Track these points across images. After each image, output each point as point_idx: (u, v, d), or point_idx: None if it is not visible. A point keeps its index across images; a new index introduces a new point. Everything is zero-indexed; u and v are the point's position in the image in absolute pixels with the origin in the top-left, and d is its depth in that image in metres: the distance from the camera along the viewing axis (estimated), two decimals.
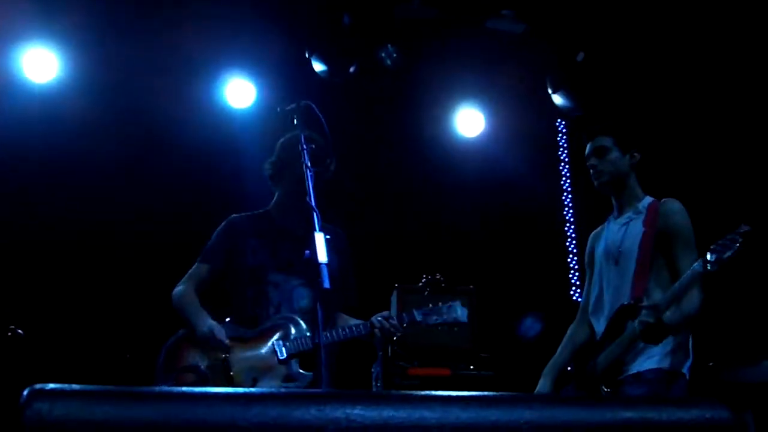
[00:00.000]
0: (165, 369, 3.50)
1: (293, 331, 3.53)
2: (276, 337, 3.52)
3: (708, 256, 3.14)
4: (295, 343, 3.49)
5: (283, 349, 3.48)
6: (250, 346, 3.51)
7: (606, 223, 3.80)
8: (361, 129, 6.58)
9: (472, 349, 5.44)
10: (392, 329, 3.57)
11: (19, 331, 4.85)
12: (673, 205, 3.56)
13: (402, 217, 6.78)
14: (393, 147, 6.86)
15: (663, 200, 3.61)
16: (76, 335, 5.72)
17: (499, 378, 5.34)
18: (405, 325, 3.62)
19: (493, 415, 1.40)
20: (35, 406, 1.18)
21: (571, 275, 7.22)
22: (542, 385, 3.71)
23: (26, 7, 5.64)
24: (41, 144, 5.86)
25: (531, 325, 6.71)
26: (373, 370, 5.33)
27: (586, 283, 3.86)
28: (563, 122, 7.56)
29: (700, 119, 6.43)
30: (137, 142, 6.11)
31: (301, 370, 3.48)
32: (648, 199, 3.66)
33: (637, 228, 3.57)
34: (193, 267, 3.72)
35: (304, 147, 3.07)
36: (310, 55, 6.23)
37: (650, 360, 3.38)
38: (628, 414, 1.48)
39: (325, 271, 2.70)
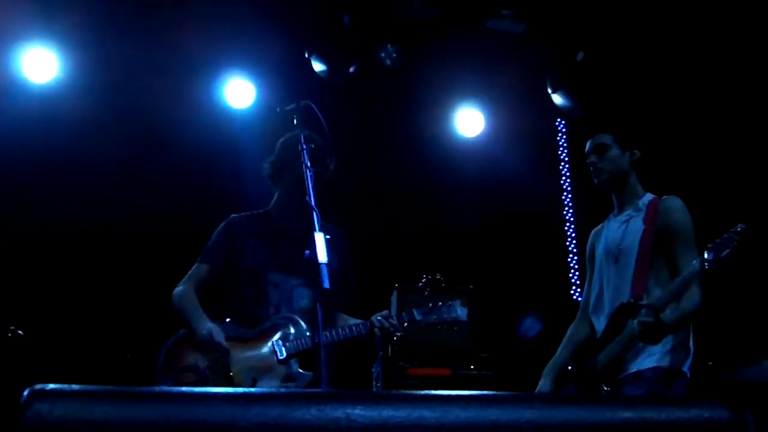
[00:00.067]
0: (165, 369, 3.49)
1: (293, 331, 3.53)
2: (275, 337, 3.52)
3: (705, 255, 3.13)
4: (294, 343, 3.49)
5: (283, 349, 3.48)
6: (249, 346, 3.51)
7: (606, 221, 3.79)
8: (361, 129, 6.58)
9: (472, 349, 5.45)
10: (392, 329, 3.56)
11: (19, 331, 4.85)
12: (673, 203, 3.55)
13: (402, 217, 6.78)
14: (393, 147, 6.86)
15: (663, 197, 3.60)
16: (76, 335, 5.72)
17: (499, 378, 5.34)
18: (405, 324, 3.62)
19: (493, 414, 1.40)
20: (35, 406, 1.18)
21: (571, 275, 7.22)
22: (542, 384, 3.70)
23: (26, 7, 5.64)
24: (41, 144, 5.86)
25: (531, 325, 6.71)
26: (373, 370, 5.33)
27: (586, 282, 3.85)
28: (563, 122, 7.57)
29: (700, 117, 6.43)
30: (137, 142, 6.11)
31: (300, 370, 3.48)
32: (648, 197, 3.64)
33: (637, 226, 3.56)
34: (193, 267, 3.72)
35: (304, 147, 3.07)
36: (309, 55, 6.23)
37: (650, 358, 3.37)
38: (627, 414, 1.48)
39: (325, 271, 2.70)
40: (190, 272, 3.70)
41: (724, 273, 3.19)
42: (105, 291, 5.87)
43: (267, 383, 3.42)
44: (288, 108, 3.19)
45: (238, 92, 6.31)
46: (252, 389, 3.15)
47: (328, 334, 3.41)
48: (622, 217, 3.66)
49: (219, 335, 3.46)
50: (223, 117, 6.33)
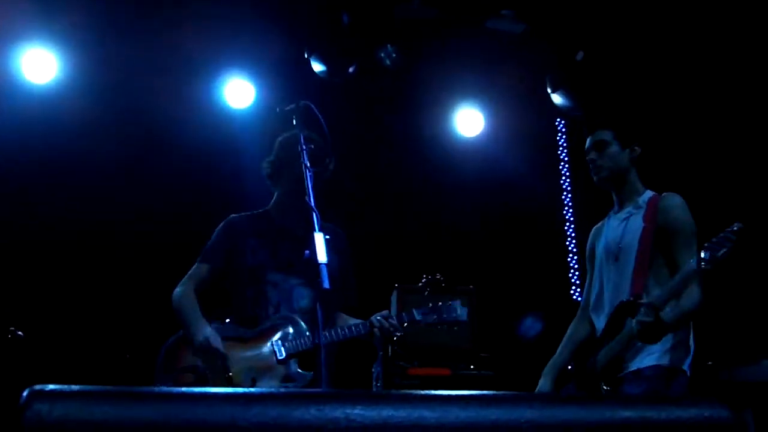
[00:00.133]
0: (164, 369, 3.49)
1: (292, 331, 3.52)
2: (275, 337, 3.51)
3: (702, 254, 3.12)
4: (294, 343, 3.49)
5: (282, 349, 3.47)
6: (249, 346, 3.51)
7: (606, 219, 3.77)
8: (361, 129, 6.58)
9: (472, 348, 5.45)
10: (391, 329, 3.56)
11: (19, 332, 4.85)
12: (673, 200, 3.52)
13: (402, 217, 6.78)
14: (393, 147, 6.87)
15: (663, 194, 3.57)
16: (76, 336, 5.72)
17: (499, 378, 5.34)
18: (405, 324, 3.62)
19: (493, 414, 1.40)
20: (35, 406, 1.18)
21: (571, 275, 7.22)
22: (542, 384, 3.69)
23: (26, 8, 5.64)
24: (41, 144, 5.86)
25: (531, 325, 6.71)
26: (373, 370, 5.33)
27: (587, 280, 3.84)
28: (563, 122, 7.57)
29: (700, 114, 6.42)
30: (137, 142, 6.11)
31: (299, 370, 3.48)
32: (648, 194, 3.62)
33: (636, 223, 3.54)
34: (193, 267, 3.71)
35: (303, 147, 3.07)
36: (309, 56, 6.23)
37: (650, 357, 3.36)
38: (627, 413, 1.48)
39: (324, 271, 2.69)
40: (189, 272, 3.70)
41: (723, 272, 3.18)
42: (105, 291, 5.87)
43: (266, 383, 3.42)
44: (287, 108, 3.19)
45: (238, 92, 6.31)
46: (252, 389, 3.15)
47: (327, 334, 3.41)
48: (622, 214, 3.64)
49: (216, 341, 3.44)
50: (223, 117, 6.34)
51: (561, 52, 6.61)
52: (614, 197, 3.72)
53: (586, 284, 3.83)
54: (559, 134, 7.59)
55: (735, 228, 3.12)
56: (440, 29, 6.39)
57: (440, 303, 3.71)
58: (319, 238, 2.77)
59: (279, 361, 3.46)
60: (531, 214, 7.10)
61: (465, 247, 6.76)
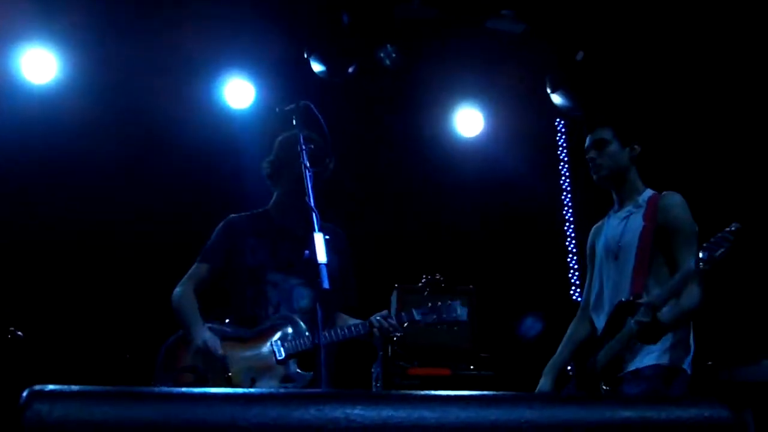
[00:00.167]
0: (164, 369, 3.49)
1: (292, 331, 3.52)
2: (274, 337, 3.51)
3: (700, 254, 3.11)
4: (293, 343, 3.49)
5: (282, 349, 3.47)
6: (248, 346, 3.51)
7: (606, 218, 3.75)
8: (361, 129, 6.58)
9: (472, 349, 5.45)
10: (391, 328, 3.56)
11: (19, 332, 4.85)
12: (673, 199, 3.51)
13: (402, 217, 6.79)
14: (393, 147, 6.87)
15: (663, 193, 3.55)
16: (75, 336, 5.72)
17: (499, 378, 5.34)
18: (405, 325, 3.62)
19: (492, 414, 1.40)
20: (35, 407, 1.18)
21: (571, 275, 7.22)
22: (543, 384, 3.68)
23: (25, 8, 5.63)
24: (41, 144, 5.86)
25: (531, 325, 6.71)
26: (373, 370, 5.33)
27: (587, 279, 3.82)
28: (563, 122, 7.57)
29: (701, 113, 6.42)
30: (137, 142, 6.11)
31: (299, 370, 3.48)
32: (648, 192, 3.60)
33: (636, 222, 3.52)
34: (193, 267, 3.71)
35: (303, 147, 3.07)
36: (309, 56, 6.23)
37: (649, 356, 3.34)
38: (627, 413, 1.48)
39: (324, 272, 2.69)
40: (189, 272, 3.70)
41: (723, 272, 3.18)
42: (105, 291, 5.87)
43: (266, 383, 3.42)
44: (287, 108, 3.19)
45: (238, 92, 6.31)
46: (252, 389, 3.15)
47: (327, 334, 3.40)
48: (622, 213, 3.63)
49: (215, 344, 3.43)
50: (223, 117, 6.34)
51: (561, 52, 6.61)
52: (614, 196, 3.71)
53: (586, 283, 3.82)
54: (559, 134, 7.59)
55: (733, 228, 3.11)
56: (440, 29, 6.39)
57: (440, 303, 3.71)
58: (319, 239, 2.77)
59: (278, 362, 3.46)
60: (531, 214, 7.10)
61: (465, 247, 6.76)
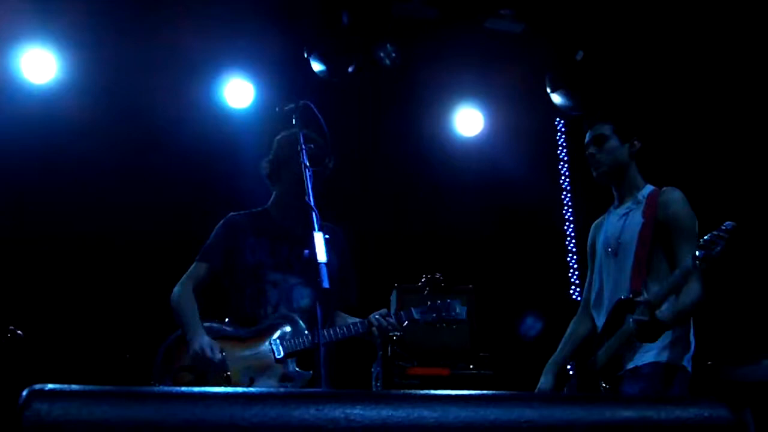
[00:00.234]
0: (163, 369, 3.49)
1: (290, 330, 3.52)
2: (273, 336, 3.51)
3: (697, 253, 3.10)
4: (292, 342, 3.48)
5: (280, 348, 3.47)
6: (247, 346, 3.51)
7: (606, 214, 3.73)
8: (361, 129, 6.58)
9: (471, 348, 5.45)
10: (390, 327, 3.56)
11: (19, 332, 4.85)
12: (672, 195, 3.48)
13: (402, 217, 6.79)
14: (392, 147, 6.87)
15: (663, 189, 3.53)
16: (75, 335, 5.72)
17: (499, 377, 5.34)
18: (404, 324, 3.61)
19: (492, 414, 1.40)
20: (34, 406, 1.18)
21: (570, 274, 7.22)
22: (543, 382, 3.67)
23: (25, 8, 5.63)
24: (41, 144, 5.86)
25: (531, 325, 6.71)
26: (372, 370, 5.33)
27: (587, 276, 3.81)
28: (562, 121, 7.57)
29: (701, 112, 6.42)
30: (136, 142, 6.11)
31: (298, 369, 3.48)
32: (648, 188, 3.58)
33: (636, 219, 3.50)
34: (192, 266, 3.70)
35: (303, 146, 3.07)
36: (308, 55, 6.23)
37: (648, 354, 3.33)
38: (627, 413, 1.48)
39: (324, 271, 2.69)
40: (188, 271, 3.69)
41: (723, 272, 3.18)
42: (104, 291, 5.87)
43: (264, 382, 3.41)
44: (287, 108, 3.19)
45: (237, 92, 6.32)
46: (251, 389, 3.15)
47: (326, 333, 3.40)
48: (622, 209, 3.61)
49: (212, 350, 3.40)
50: (223, 117, 6.34)
51: (560, 52, 6.61)
52: (614, 192, 3.68)
53: (587, 281, 3.80)
54: (559, 134, 7.59)
55: (729, 227, 3.09)
56: (440, 29, 6.39)
57: (439, 301, 3.71)
58: (319, 238, 2.77)
59: (277, 360, 3.46)
60: (531, 214, 7.10)
61: (465, 247, 6.76)
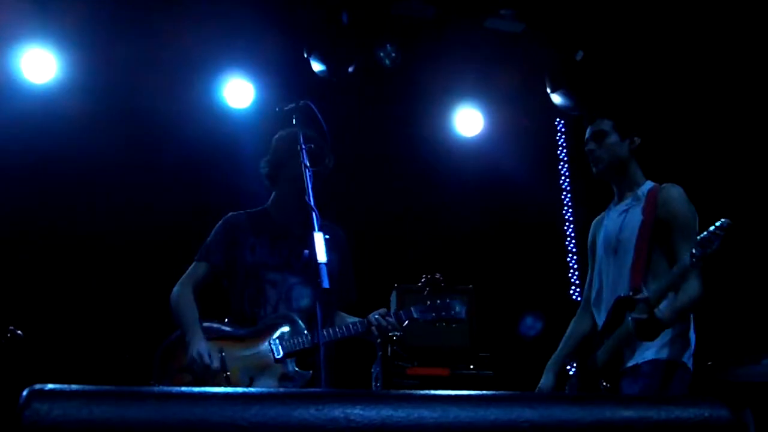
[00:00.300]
0: (162, 369, 3.49)
1: (290, 329, 3.52)
2: (272, 335, 3.51)
3: (693, 251, 3.10)
4: (291, 341, 3.48)
5: (280, 347, 3.47)
6: (246, 346, 3.50)
7: (606, 211, 3.72)
8: (361, 128, 6.58)
9: (471, 348, 5.45)
10: (389, 327, 3.56)
11: (19, 332, 4.85)
12: (672, 191, 3.46)
13: (402, 217, 6.79)
14: (392, 146, 6.87)
15: (662, 185, 3.51)
16: (75, 336, 5.72)
17: (499, 377, 5.34)
18: (404, 324, 3.61)
19: (492, 414, 1.40)
20: (34, 406, 1.18)
21: (570, 274, 7.22)
22: (545, 380, 3.66)
23: (25, 8, 5.63)
24: (41, 144, 5.86)
25: (531, 325, 6.71)
26: (372, 370, 5.33)
27: (588, 273, 3.79)
28: (562, 121, 7.57)
29: (701, 110, 6.41)
30: (136, 142, 6.11)
31: (297, 369, 3.48)
32: (648, 185, 3.56)
33: (635, 216, 3.49)
34: (192, 266, 3.70)
35: (303, 146, 3.07)
36: (308, 55, 6.23)
37: (648, 352, 3.32)
38: (627, 413, 1.48)
39: (324, 271, 2.69)
40: (188, 271, 3.69)
41: (723, 271, 3.18)
42: (104, 291, 5.87)
43: (264, 382, 3.41)
44: (287, 107, 3.20)
45: (237, 92, 6.32)
46: (251, 389, 3.14)
47: (325, 333, 3.40)
48: (622, 206, 3.59)
49: (209, 357, 3.39)
50: (223, 117, 6.33)
51: (560, 52, 6.61)
52: (614, 189, 3.67)
53: (587, 278, 3.79)
54: (559, 134, 7.59)
55: (724, 224, 3.08)
56: (439, 29, 6.39)
57: (438, 300, 3.71)
58: (319, 238, 2.77)
59: (276, 360, 3.46)
60: (531, 214, 7.10)
61: (465, 247, 6.76)
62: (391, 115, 6.84)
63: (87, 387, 1.26)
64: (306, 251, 2.76)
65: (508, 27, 6.40)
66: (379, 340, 4.15)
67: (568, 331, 3.78)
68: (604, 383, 3.39)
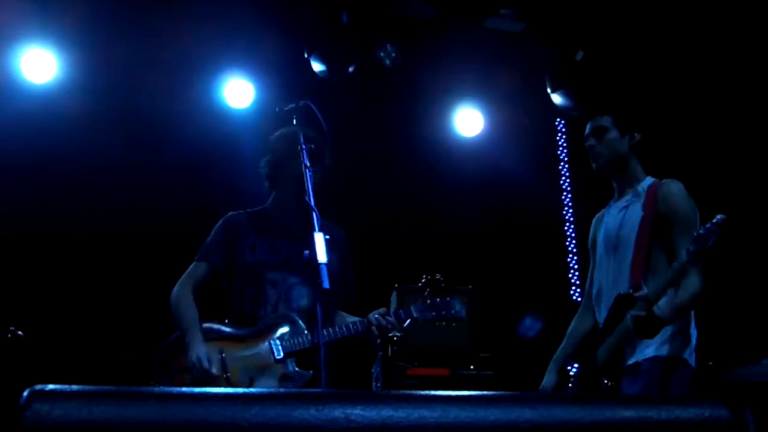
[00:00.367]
0: (162, 370, 3.48)
1: (290, 329, 3.52)
2: (272, 336, 3.51)
3: (690, 247, 3.09)
4: (291, 341, 3.48)
5: (280, 348, 3.47)
6: (246, 346, 3.50)
7: (607, 207, 3.71)
8: (360, 128, 6.58)
9: (471, 348, 5.44)
10: (389, 326, 3.56)
11: (19, 332, 4.85)
12: (672, 187, 3.45)
13: (402, 217, 6.78)
14: (392, 146, 6.86)
15: (662, 181, 3.49)
16: (75, 336, 5.72)
17: (499, 378, 5.34)
18: (405, 324, 3.61)
19: (492, 414, 1.40)
20: (35, 407, 1.18)
21: (570, 274, 7.22)
22: (547, 380, 3.65)
23: (25, 8, 5.63)
24: (41, 144, 5.86)
25: (531, 326, 6.71)
26: (373, 370, 5.32)
27: (589, 270, 3.78)
28: (563, 121, 7.57)
29: (701, 108, 6.41)
30: (137, 142, 6.11)
31: (297, 369, 3.48)
32: (648, 180, 3.54)
33: (635, 212, 3.47)
34: (192, 266, 3.69)
35: (303, 146, 3.07)
36: (309, 55, 6.23)
37: (648, 348, 3.31)
38: (627, 413, 1.48)
39: (324, 271, 2.69)
40: (188, 271, 3.68)
41: (723, 271, 3.17)
42: (104, 291, 5.87)
43: (264, 383, 3.41)
44: (287, 107, 3.20)
45: (238, 92, 6.32)
46: (252, 389, 3.14)
47: (325, 332, 3.40)
48: (622, 202, 3.58)
49: (208, 362, 3.38)
50: (223, 117, 6.33)
51: (560, 52, 6.61)
52: (614, 185, 3.65)
53: (589, 275, 3.78)
54: (559, 134, 7.59)
55: (720, 220, 3.07)
56: (439, 29, 6.39)
57: (438, 299, 3.71)
58: (319, 238, 2.77)
59: (276, 361, 3.45)
60: (531, 214, 7.10)
61: (465, 247, 6.75)
62: (391, 115, 6.83)
63: (87, 387, 1.26)
64: (306, 251, 2.76)
65: (508, 27, 6.40)
66: (379, 340, 4.15)
67: (570, 329, 3.77)
68: (606, 381, 3.38)
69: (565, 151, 7.53)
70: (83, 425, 1.19)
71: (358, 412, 1.31)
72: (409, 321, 3.63)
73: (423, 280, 3.87)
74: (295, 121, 3.17)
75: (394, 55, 6.35)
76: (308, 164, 3.03)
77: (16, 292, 5.55)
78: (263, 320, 3.56)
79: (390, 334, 3.81)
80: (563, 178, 7.46)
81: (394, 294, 5.43)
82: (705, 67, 6.28)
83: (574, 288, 7.13)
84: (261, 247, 3.67)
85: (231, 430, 1.25)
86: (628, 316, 3.21)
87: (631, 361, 3.35)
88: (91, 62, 5.94)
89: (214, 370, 3.38)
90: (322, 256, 2.72)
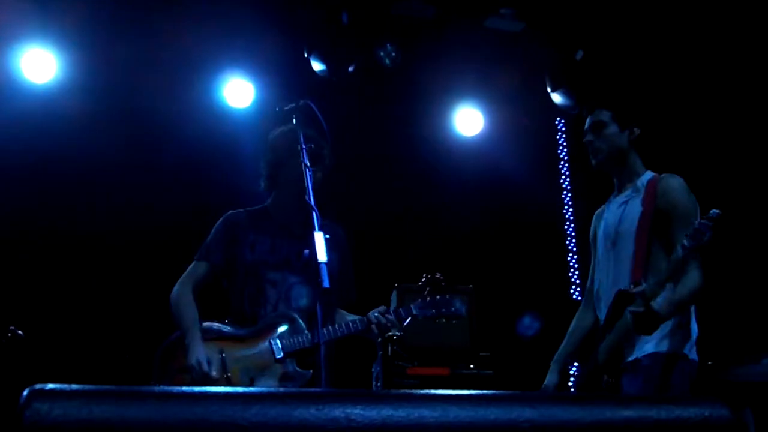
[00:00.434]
0: (162, 370, 3.48)
1: (290, 329, 3.52)
2: (272, 335, 3.51)
3: (685, 242, 3.08)
4: (291, 341, 3.48)
5: (280, 347, 3.47)
6: (247, 345, 3.50)
7: (607, 203, 3.69)
8: (360, 128, 6.58)
9: (471, 348, 5.44)
10: (389, 324, 3.56)
11: (19, 332, 4.85)
12: (672, 182, 3.43)
13: (402, 216, 6.78)
14: (392, 146, 6.86)
15: (662, 176, 3.47)
16: (75, 335, 5.72)
17: (499, 377, 5.34)
18: (405, 324, 3.61)
19: (493, 414, 1.40)
20: (35, 406, 1.18)
21: (571, 274, 7.22)
22: (550, 378, 3.64)
23: (25, 8, 5.63)
24: (41, 144, 5.86)
25: (530, 325, 6.71)
26: (373, 369, 5.32)
27: (590, 266, 3.77)
28: (563, 121, 7.57)
29: (701, 103, 6.41)
30: (137, 142, 6.11)
31: (298, 368, 3.47)
32: (648, 175, 3.52)
33: (635, 208, 3.45)
34: (192, 265, 3.69)
35: (303, 146, 3.07)
36: (309, 54, 6.23)
37: (648, 345, 3.29)
38: (627, 413, 1.48)
39: (324, 271, 2.69)
40: (188, 270, 3.68)
41: (723, 271, 3.17)
42: (104, 291, 5.87)
43: (264, 382, 3.41)
44: (287, 107, 3.20)
45: (238, 92, 6.32)
46: (252, 389, 3.14)
47: (326, 331, 3.40)
48: (621, 198, 3.56)
49: (208, 365, 3.37)
50: (223, 117, 6.33)
51: (560, 51, 6.61)
52: (614, 180, 3.63)
53: (590, 271, 3.76)
54: (559, 133, 7.59)
55: (714, 215, 3.05)
56: (439, 28, 6.39)
57: (438, 297, 3.70)
58: (320, 238, 2.77)
59: (277, 360, 3.45)
60: (531, 213, 7.10)
61: (465, 247, 6.75)
62: (391, 115, 6.83)
63: (87, 387, 1.26)
64: (306, 250, 2.76)
65: (508, 26, 6.40)
66: (379, 339, 4.15)
67: (571, 326, 3.76)
68: (607, 378, 3.37)
69: (565, 150, 7.53)
70: (83, 424, 1.19)
71: (358, 412, 1.31)
72: (409, 319, 3.63)
73: (423, 280, 3.87)
74: (295, 120, 3.17)
75: (394, 54, 6.35)
76: (308, 164, 3.03)
77: (16, 292, 5.54)
78: (263, 320, 3.56)
79: (390, 333, 3.81)
80: (563, 177, 7.46)
81: (394, 293, 5.43)
82: (704, 62, 6.28)
83: (574, 287, 7.13)
84: (261, 246, 3.66)
85: (231, 430, 1.25)
86: (627, 312, 3.19)
87: (630, 358, 3.34)
88: (91, 62, 5.94)
89: (214, 373, 3.38)
90: (322, 256, 2.72)
